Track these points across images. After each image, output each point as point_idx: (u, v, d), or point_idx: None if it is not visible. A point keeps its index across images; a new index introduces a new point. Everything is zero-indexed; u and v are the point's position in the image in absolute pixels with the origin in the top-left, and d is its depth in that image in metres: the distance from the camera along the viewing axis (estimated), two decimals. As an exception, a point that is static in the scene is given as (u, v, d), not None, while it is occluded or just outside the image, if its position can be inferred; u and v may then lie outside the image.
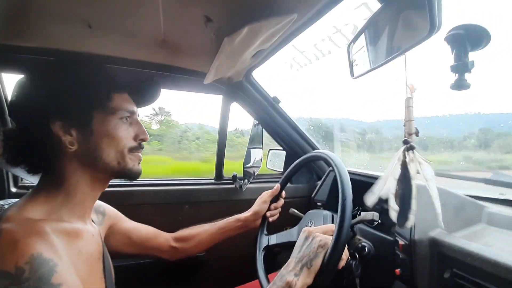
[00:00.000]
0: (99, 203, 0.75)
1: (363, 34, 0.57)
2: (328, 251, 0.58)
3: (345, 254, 0.63)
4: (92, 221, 0.65)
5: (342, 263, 0.62)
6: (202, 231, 0.90)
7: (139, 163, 0.62)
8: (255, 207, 0.91)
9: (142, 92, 0.68)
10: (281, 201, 0.95)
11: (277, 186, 0.93)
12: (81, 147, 0.54)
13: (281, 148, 1.37)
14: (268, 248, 0.85)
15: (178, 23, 0.69)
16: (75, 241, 0.51)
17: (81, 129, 0.54)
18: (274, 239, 0.86)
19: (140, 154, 0.62)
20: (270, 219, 0.92)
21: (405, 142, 0.47)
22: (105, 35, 0.75)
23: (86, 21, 0.67)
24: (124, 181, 0.63)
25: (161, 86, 0.72)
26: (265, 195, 0.92)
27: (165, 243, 0.87)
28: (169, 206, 1.14)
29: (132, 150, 0.60)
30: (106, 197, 0.73)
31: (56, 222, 0.50)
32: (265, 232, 0.90)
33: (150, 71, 0.95)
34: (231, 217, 0.92)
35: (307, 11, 0.62)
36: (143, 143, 0.63)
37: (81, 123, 0.54)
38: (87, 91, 0.55)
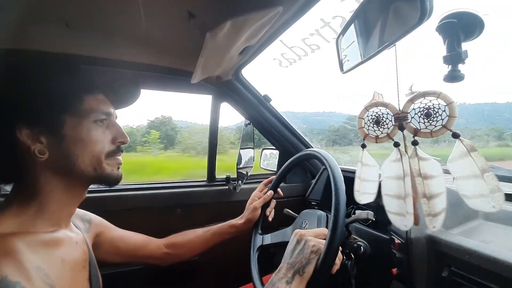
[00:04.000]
0: (84, 212, 0.71)
1: (351, 26, 0.55)
2: (321, 257, 0.56)
3: (339, 259, 0.61)
4: (77, 228, 0.61)
5: (336, 267, 0.60)
6: (195, 237, 0.88)
7: (118, 168, 0.58)
8: (247, 215, 0.88)
9: (119, 92, 0.63)
10: (273, 203, 0.93)
11: (269, 192, 0.91)
12: (52, 154, 0.50)
13: (274, 147, 1.35)
14: (262, 248, 0.83)
15: (160, 20, 0.66)
16: (55, 251, 0.49)
17: (52, 136, 0.50)
18: (268, 238, 0.84)
19: (119, 157, 0.59)
20: (269, 218, 0.91)
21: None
22: (84, 34, 0.71)
23: (63, 20, 0.64)
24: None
25: (140, 85, 0.68)
26: (256, 202, 0.89)
27: (157, 250, 0.83)
28: (160, 211, 1.10)
29: (110, 154, 0.56)
30: (92, 204, 0.69)
31: (32, 234, 0.47)
32: (259, 231, 0.88)
33: (133, 71, 0.91)
34: (225, 223, 0.90)
35: (292, 4, 0.59)
36: (122, 145, 0.59)
37: (51, 129, 0.50)
38: (55, 94, 0.51)
